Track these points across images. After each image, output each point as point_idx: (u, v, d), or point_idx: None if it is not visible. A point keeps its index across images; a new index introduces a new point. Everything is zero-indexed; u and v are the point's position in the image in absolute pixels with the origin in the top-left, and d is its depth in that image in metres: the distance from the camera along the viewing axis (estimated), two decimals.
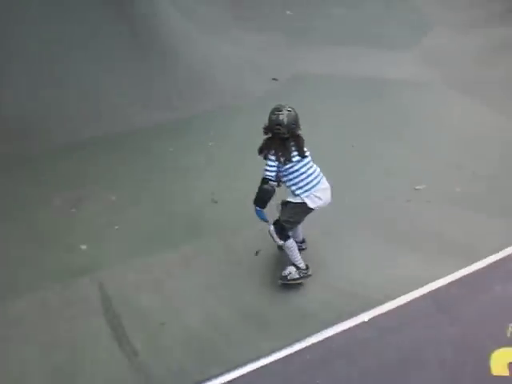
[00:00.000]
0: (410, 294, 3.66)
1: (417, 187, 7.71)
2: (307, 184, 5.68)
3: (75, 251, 6.46)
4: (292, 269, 5.96)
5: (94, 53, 9.03)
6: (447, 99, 9.86)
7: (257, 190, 5.69)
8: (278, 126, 5.58)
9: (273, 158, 5.59)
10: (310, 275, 5.95)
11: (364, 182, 7.79)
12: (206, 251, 6.48)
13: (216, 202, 7.22)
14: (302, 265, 5.99)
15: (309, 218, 5.88)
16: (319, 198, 5.73)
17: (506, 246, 5.18)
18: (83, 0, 9.23)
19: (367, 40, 11.67)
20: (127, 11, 9.56)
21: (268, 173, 5.61)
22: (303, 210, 5.79)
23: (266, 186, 5.63)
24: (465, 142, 8.75)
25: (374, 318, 3.46)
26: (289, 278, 5.94)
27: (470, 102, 9.70)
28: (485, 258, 3.77)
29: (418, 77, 10.49)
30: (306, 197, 5.68)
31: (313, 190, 5.69)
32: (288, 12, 12.46)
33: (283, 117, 5.59)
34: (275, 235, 5.78)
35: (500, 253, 3.86)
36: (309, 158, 5.71)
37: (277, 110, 5.71)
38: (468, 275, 3.66)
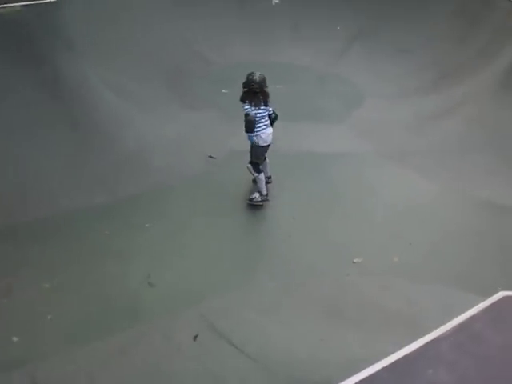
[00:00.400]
0: (347, 381, 3.60)
1: (355, 260, 7.77)
2: (258, 127, 8.54)
3: (6, 344, 6.19)
4: (257, 194, 8.77)
5: (25, 135, 8.92)
6: (382, 170, 10.07)
7: (244, 123, 8.49)
8: (252, 83, 8.40)
9: (247, 104, 8.44)
10: (268, 200, 8.88)
11: (302, 256, 7.82)
12: (144, 338, 6.29)
13: (153, 286, 7.10)
14: (264, 192, 8.83)
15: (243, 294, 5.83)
16: (264, 140, 8.66)
17: (446, 318, 5.23)
18: (16, 81, 9.17)
19: (302, 115, 11.91)
20: (62, 92, 9.54)
21: (247, 110, 8.44)
22: (258, 148, 8.71)
23: (249, 117, 8.43)
24: (401, 212, 8.92)
25: None
26: (254, 200, 8.73)
27: (404, 172, 9.93)
28: (424, 333, 3.79)
29: (352, 149, 10.69)
30: (255, 136, 8.59)
31: (260, 132, 8.56)
32: (223, 90, 12.66)
33: (256, 77, 8.44)
34: (252, 170, 8.73)
35: (430, 334, 3.85)
36: (268, 110, 8.69)
37: (252, 73, 8.54)
38: (398, 360, 3.63)
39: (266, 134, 8.63)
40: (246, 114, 8.42)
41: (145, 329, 6.42)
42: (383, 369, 3.43)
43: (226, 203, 8.91)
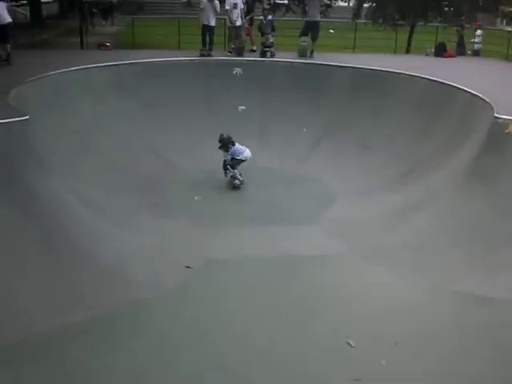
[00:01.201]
0: None
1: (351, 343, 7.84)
2: (239, 151, 13.74)
3: None
4: (237, 181, 13.64)
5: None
6: (358, 271, 10.08)
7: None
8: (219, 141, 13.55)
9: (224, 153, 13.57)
10: (242, 183, 13.81)
11: (284, 365, 7.60)
12: None
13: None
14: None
15: None
16: (244, 156, 13.74)
17: None
18: None
19: (273, 217, 12.05)
20: (33, 209, 9.46)
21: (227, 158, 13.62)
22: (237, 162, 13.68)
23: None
24: (381, 313, 8.83)
25: None
26: (237, 184, 13.69)
27: (379, 271, 9.94)
28: None
29: (326, 250, 10.73)
30: (237, 156, 13.68)
31: (240, 155, 13.67)
32: (196, 198, 12.77)
33: (223, 137, 13.52)
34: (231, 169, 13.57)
35: None
36: (237, 145, 13.73)
37: (221, 135, 13.65)
38: None
39: (243, 155, 13.76)
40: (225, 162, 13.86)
41: None
42: None
43: (206, 313, 8.76)
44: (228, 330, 8.37)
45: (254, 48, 20.39)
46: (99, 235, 10.18)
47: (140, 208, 12.20)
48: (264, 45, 19.21)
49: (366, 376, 7.38)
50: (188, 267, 9.75)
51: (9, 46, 16.43)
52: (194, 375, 7.37)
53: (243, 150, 13.65)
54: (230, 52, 19.81)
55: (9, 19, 16.43)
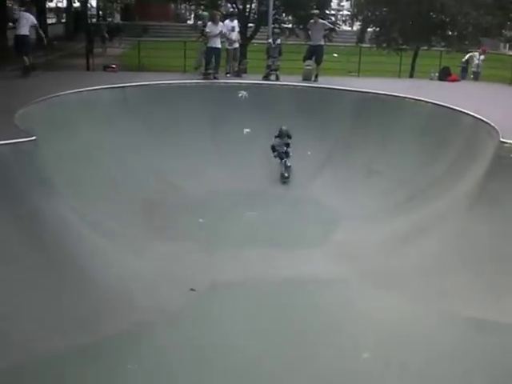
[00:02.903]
0: None
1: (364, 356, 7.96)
2: None
3: None
4: None
5: (1, 276, 8.69)
6: (363, 294, 9.99)
7: None
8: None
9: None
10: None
11: None
12: None
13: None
14: None
15: None
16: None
17: None
18: None
19: (278, 241, 11.99)
20: (38, 232, 9.44)
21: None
22: None
23: None
24: (387, 335, 8.78)
25: None
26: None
27: (385, 293, 9.85)
28: None
29: (332, 274, 10.69)
30: None
31: None
32: (200, 220, 12.73)
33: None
34: None
35: None
36: None
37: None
38: None
39: None
40: None
41: None
42: None
43: (211, 338, 8.71)
44: (233, 354, 8.31)
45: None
46: (103, 258, 10.14)
47: (145, 231, 12.17)
48: (270, 68, 19.37)
49: None
50: (192, 290, 9.69)
51: (26, 58, 16.60)
52: None
53: None
54: (227, 74, 20.06)
55: (25, 31, 16.63)
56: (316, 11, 22.41)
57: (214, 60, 18.96)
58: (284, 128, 13.31)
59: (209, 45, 18.93)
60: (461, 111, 14.61)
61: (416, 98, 16.27)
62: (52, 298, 8.83)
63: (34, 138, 10.43)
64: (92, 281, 9.34)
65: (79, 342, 8.27)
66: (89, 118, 14.60)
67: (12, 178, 9.57)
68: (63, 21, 54.30)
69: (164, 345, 8.46)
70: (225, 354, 8.32)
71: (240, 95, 17.41)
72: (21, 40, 16.93)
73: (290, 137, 13.63)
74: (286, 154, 11.97)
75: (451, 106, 15.03)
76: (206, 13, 23.21)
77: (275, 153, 12.86)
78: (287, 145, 13.16)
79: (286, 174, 12.64)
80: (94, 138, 14.20)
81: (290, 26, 31.71)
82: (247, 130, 16.51)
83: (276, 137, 13.16)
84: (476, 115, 13.94)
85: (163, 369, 7.91)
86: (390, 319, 9.23)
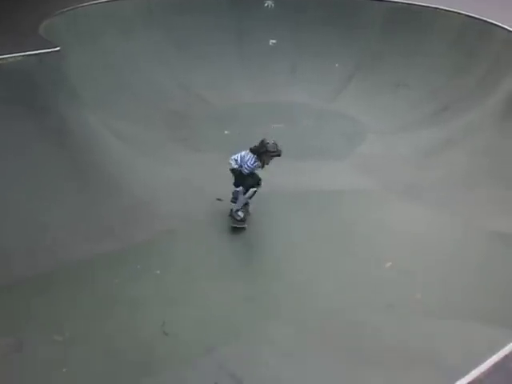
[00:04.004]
0: None
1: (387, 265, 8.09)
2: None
3: None
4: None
5: (32, 185, 8.81)
6: (389, 206, 10.03)
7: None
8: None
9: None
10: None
11: (315, 296, 7.70)
12: None
13: (167, 334, 6.95)
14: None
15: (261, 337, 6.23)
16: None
17: (471, 356, 5.10)
18: (21, 134, 9.13)
19: (303, 152, 11.93)
20: (67, 142, 9.51)
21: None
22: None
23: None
24: (411, 246, 8.86)
25: None
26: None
27: (411, 207, 9.87)
28: (452, 371, 3.67)
29: (357, 185, 10.67)
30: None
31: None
32: (226, 132, 12.69)
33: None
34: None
35: (466, 377, 3.73)
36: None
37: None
38: None
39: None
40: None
41: (162, 380, 6.26)
42: None
43: (237, 246, 8.84)
44: (257, 263, 8.48)
45: None
46: (130, 168, 10.22)
47: (171, 142, 12.20)
48: None
49: (398, 303, 7.50)
50: (219, 200, 9.75)
51: None
52: (224, 305, 7.47)
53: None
54: None
55: None
56: None
57: None
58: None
59: None
60: (494, 24, 14.11)
61: (448, 9, 15.71)
62: (79, 207, 8.99)
63: (58, 48, 10.37)
64: (119, 189, 9.46)
65: (106, 249, 8.48)
66: (113, 29, 14.43)
67: (38, 88, 9.58)
68: None
69: (189, 252, 8.63)
70: (247, 263, 8.62)
71: (266, 5, 16.96)
72: None
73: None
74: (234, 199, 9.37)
75: (484, 19, 14.52)
76: None
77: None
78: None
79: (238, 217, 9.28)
80: (119, 49, 14.08)
81: None
82: (273, 41, 16.17)
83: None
84: (508, 28, 13.49)
85: (188, 274, 8.09)
86: (415, 230, 9.27)
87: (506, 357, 3.60)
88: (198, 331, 6.96)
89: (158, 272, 8.11)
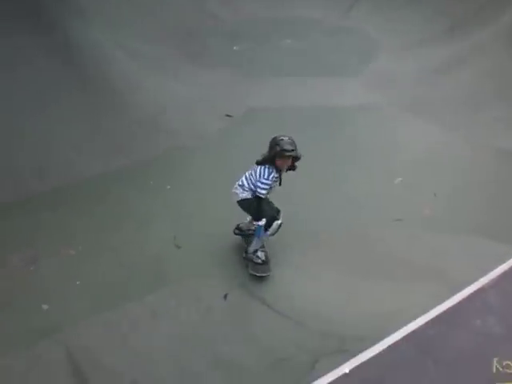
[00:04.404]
0: (389, 338, 3.53)
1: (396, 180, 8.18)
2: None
3: (37, 312, 6.16)
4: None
5: (40, 103, 8.75)
6: (397, 121, 10.03)
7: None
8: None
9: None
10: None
11: (325, 210, 7.78)
12: (173, 300, 6.26)
13: (179, 247, 7.04)
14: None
15: (273, 252, 6.36)
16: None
17: (479, 270, 5.16)
18: (28, 50, 8.99)
19: (315, 69, 11.80)
20: (74, 58, 9.37)
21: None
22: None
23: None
24: (420, 162, 8.91)
25: (355, 368, 3.30)
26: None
27: (420, 122, 9.91)
28: (459, 284, 3.71)
29: (367, 102, 10.62)
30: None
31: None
32: (235, 47, 12.48)
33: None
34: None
35: (474, 284, 3.78)
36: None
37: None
38: (445, 311, 3.55)
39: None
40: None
41: (174, 291, 6.39)
42: (428, 322, 3.37)
43: (247, 160, 8.81)
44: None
45: None
46: (139, 84, 10.09)
47: (180, 59, 12.01)
48: None
49: (406, 217, 7.57)
50: (228, 116, 9.69)
51: None
52: (236, 221, 7.53)
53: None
54: None
55: None
56: None
57: None
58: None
59: None
60: None
61: None
62: (88, 124, 8.94)
63: None
64: (128, 105, 9.38)
65: (115, 165, 8.50)
66: None
67: (46, 3, 9.38)
68: None
69: (199, 167, 8.67)
70: None
71: None
72: None
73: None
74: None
75: None
76: None
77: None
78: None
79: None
80: None
81: None
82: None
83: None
84: None
85: (199, 189, 8.13)
86: (423, 147, 9.30)
87: None
88: (209, 245, 7.03)
89: (169, 187, 8.16)
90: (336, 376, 3.29)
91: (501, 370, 3.28)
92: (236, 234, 7.01)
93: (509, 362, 3.34)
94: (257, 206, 6.49)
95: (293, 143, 6.37)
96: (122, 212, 7.71)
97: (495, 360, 3.17)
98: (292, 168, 6.50)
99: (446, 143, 9.39)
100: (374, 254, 6.92)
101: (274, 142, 6.39)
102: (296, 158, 6.40)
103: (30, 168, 8.21)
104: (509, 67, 10.55)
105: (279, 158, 6.33)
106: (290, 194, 7.05)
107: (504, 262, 5.36)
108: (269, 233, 6.66)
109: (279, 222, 6.63)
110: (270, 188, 6.47)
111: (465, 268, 6.27)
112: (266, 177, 6.38)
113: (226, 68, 11.42)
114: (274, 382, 4.94)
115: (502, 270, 3.80)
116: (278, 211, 6.70)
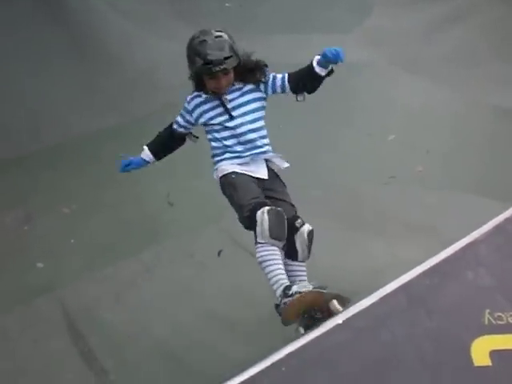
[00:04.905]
0: (382, 290, 3.56)
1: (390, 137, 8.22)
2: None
3: (32, 270, 6.21)
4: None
5: (30, 62, 8.70)
6: (393, 79, 9.93)
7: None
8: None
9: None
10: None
11: (317, 167, 7.79)
12: (167, 257, 6.31)
13: (172, 205, 7.05)
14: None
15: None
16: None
17: (471, 227, 5.19)
18: (14, 8, 8.88)
19: (309, 25, 11.60)
20: (62, 16, 9.28)
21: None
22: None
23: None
24: (414, 120, 8.87)
25: (348, 319, 3.35)
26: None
27: (416, 80, 9.80)
28: (451, 240, 3.74)
29: (362, 59, 10.44)
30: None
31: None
32: (227, 4, 12.32)
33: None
34: None
35: (467, 237, 3.81)
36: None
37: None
38: (438, 264, 3.59)
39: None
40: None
41: (168, 248, 6.42)
42: (420, 274, 3.40)
43: None
44: None
45: None
46: (130, 41, 10.01)
47: (172, 16, 11.81)
48: None
49: (399, 175, 7.58)
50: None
51: None
52: None
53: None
54: None
55: None
56: None
57: None
58: None
59: None
60: None
61: None
62: (81, 82, 8.90)
63: None
64: (119, 62, 9.35)
65: (111, 123, 8.47)
66: None
67: None
68: None
69: None
70: None
71: None
72: None
73: None
74: None
75: None
76: None
77: None
78: None
79: None
80: None
81: None
82: None
83: None
84: None
85: (195, 147, 8.04)
86: (417, 104, 9.24)
87: (507, 219, 3.66)
88: (203, 203, 7.02)
89: None
90: (328, 327, 3.32)
91: (493, 322, 3.34)
92: None
93: (500, 314, 3.38)
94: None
95: (225, 42, 4.23)
96: (116, 169, 7.67)
97: (487, 311, 3.22)
98: (261, 80, 4.35)
99: (441, 100, 9.33)
100: (366, 211, 6.94)
101: (192, 50, 4.28)
102: (248, 67, 4.28)
103: (23, 125, 8.22)
104: (505, 23, 10.49)
105: (207, 75, 4.19)
106: (281, 151, 7.02)
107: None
108: None
109: None
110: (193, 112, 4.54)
111: (457, 224, 6.29)
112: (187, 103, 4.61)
113: (217, 25, 11.22)
114: (267, 335, 4.98)
115: (494, 224, 3.82)
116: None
